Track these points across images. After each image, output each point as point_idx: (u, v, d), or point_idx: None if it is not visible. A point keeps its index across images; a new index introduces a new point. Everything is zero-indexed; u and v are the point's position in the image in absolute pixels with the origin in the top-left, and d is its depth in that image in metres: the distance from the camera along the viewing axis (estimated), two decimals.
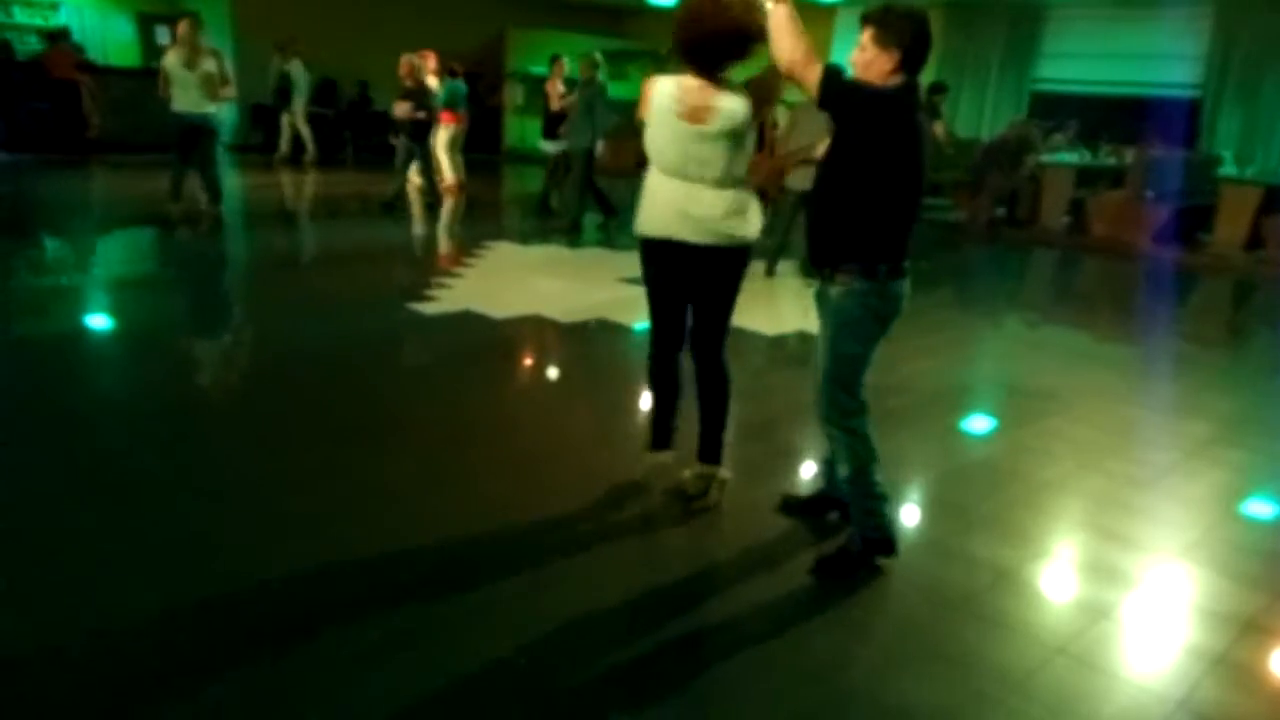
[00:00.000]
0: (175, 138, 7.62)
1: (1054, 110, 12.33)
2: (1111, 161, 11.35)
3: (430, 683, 2.14)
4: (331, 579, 2.56)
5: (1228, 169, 10.53)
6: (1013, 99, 12.95)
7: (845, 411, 2.71)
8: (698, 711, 2.16)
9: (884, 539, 2.81)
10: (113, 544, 2.67)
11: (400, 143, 9.24)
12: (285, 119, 12.24)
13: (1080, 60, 12.50)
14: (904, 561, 2.96)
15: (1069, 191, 10.76)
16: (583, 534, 2.96)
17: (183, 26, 7.43)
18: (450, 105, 10.29)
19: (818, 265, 2.70)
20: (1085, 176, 10.97)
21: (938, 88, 8.85)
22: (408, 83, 9.04)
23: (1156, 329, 6.82)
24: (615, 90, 9.83)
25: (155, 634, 2.26)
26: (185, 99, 7.39)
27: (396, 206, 9.24)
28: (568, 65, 9.68)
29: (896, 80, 2.51)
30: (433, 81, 10.40)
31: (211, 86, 7.44)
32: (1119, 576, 2.89)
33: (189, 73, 7.32)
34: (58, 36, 11.77)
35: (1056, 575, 2.92)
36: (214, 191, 7.83)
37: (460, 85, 10.47)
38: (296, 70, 11.90)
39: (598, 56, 8.83)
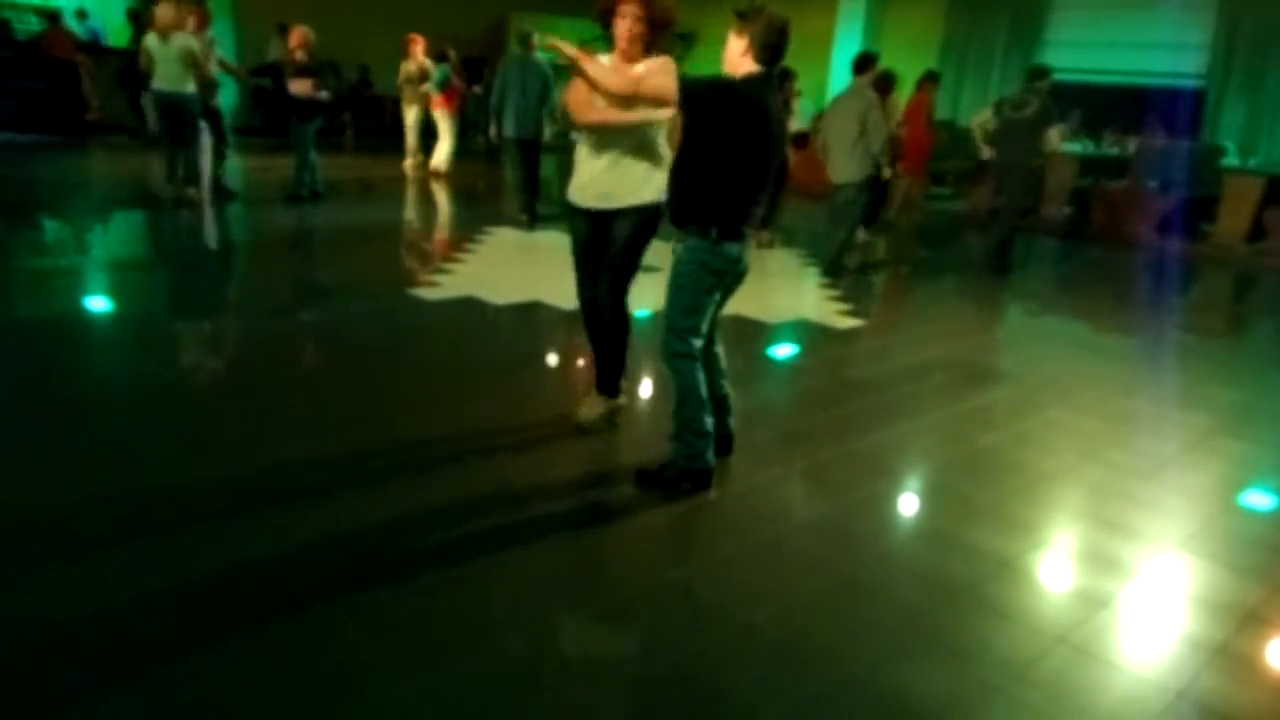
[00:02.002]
0: (159, 118, 7.50)
1: (1057, 99, 12.26)
2: (1114, 151, 11.32)
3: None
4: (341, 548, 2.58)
5: (1231, 159, 10.50)
6: (1017, 88, 12.88)
7: (673, 353, 3.13)
8: (709, 707, 2.17)
9: (698, 471, 3.18)
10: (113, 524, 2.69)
11: (295, 125, 8.20)
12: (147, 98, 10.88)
13: (1084, 49, 12.44)
14: (905, 550, 2.98)
15: (1072, 181, 10.74)
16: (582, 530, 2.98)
17: (164, 8, 7.29)
18: (445, 89, 10.22)
19: (675, 225, 3.12)
20: (1088, 166, 10.93)
21: (1039, 71, 7.71)
22: (299, 55, 7.99)
23: (1158, 320, 6.81)
24: None
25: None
26: (163, 76, 7.28)
27: (304, 197, 8.35)
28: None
29: (749, 68, 2.96)
30: (427, 64, 10.34)
31: (195, 65, 7.31)
32: (1119, 567, 2.90)
33: (166, 48, 7.23)
34: (58, 17, 11.71)
35: (1057, 565, 2.92)
36: (193, 175, 7.72)
37: (448, 70, 10.35)
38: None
39: (532, 32, 8.01)
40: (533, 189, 8.26)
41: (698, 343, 3.15)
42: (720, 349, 3.42)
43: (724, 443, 3.42)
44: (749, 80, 2.97)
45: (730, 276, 3.13)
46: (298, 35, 8.06)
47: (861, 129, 6.50)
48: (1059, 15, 12.79)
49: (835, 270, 7.00)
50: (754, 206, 3.07)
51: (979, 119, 7.93)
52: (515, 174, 8.38)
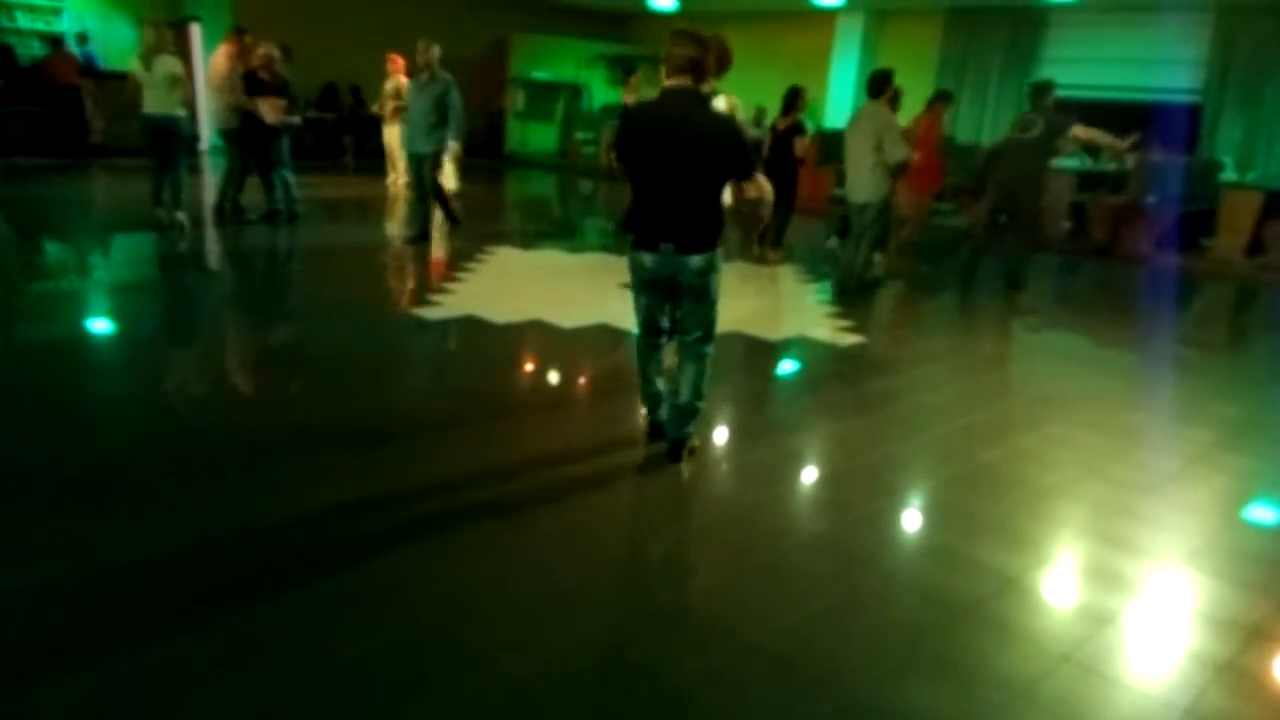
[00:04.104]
0: (146, 141, 7.51)
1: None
2: (1112, 167, 11.34)
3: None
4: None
5: (1229, 174, 10.53)
6: (1014, 104, 12.95)
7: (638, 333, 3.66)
8: None
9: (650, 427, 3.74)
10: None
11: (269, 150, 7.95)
12: None
13: (1081, 65, 12.51)
14: (908, 567, 2.97)
15: (1070, 196, 10.76)
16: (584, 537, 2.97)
17: (146, 32, 7.37)
18: None
19: None
20: (1086, 181, 10.96)
21: (1042, 87, 7.61)
22: (263, 75, 7.71)
23: (1158, 334, 6.81)
24: (616, 95, 9.53)
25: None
26: (149, 100, 7.32)
27: (291, 213, 8.28)
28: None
29: (666, 82, 3.20)
30: (403, 84, 10.36)
31: (180, 88, 7.33)
32: (1124, 583, 2.88)
33: (150, 73, 7.27)
34: (60, 41, 11.81)
35: (1061, 582, 2.91)
36: (176, 197, 7.66)
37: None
38: None
39: (435, 46, 7.78)
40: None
41: (636, 330, 3.63)
42: (679, 353, 3.57)
43: (654, 430, 3.73)
44: (644, 102, 3.51)
45: (654, 284, 3.40)
46: (263, 54, 7.99)
47: (877, 146, 6.51)
48: (1056, 32, 12.87)
49: (847, 289, 6.97)
50: (655, 220, 3.25)
51: None
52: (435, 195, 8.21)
